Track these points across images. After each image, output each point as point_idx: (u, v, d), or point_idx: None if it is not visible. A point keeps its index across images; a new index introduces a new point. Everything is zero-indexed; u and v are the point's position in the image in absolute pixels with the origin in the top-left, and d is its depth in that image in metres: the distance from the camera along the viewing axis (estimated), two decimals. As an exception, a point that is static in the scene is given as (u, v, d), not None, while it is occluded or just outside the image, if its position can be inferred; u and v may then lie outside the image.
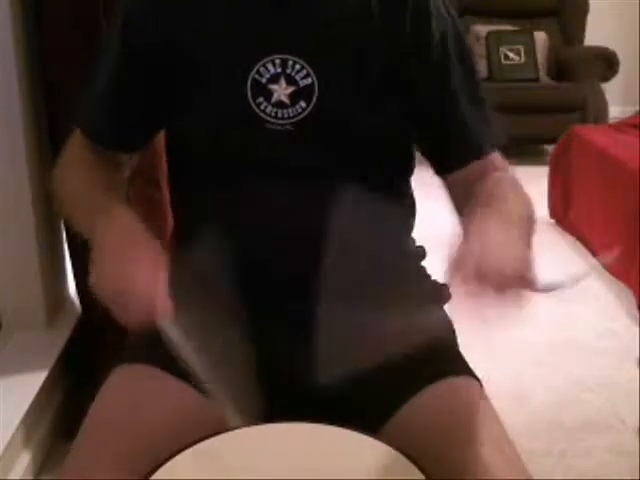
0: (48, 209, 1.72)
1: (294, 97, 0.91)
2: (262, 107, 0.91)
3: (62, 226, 1.75)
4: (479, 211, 0.84)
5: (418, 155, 1.04)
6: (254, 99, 0.91)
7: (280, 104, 0.91)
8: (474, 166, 0.98)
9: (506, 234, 0.80)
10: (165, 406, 0.89)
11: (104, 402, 0.90)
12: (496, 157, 1.00)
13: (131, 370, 0.93)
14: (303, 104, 0.91)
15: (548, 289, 0.76)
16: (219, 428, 0.82)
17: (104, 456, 0.83)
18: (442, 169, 1.01)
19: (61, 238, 1.81)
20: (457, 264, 0.75)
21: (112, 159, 1.03)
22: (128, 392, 0.91)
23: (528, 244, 0.82)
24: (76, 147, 1.02)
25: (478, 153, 0.98)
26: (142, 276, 0.81)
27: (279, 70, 0.91)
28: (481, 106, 1.00)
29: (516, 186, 0.96)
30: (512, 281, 0.73)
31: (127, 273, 0.81)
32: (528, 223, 0.88)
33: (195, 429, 0.84)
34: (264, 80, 0.91)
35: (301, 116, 0.91)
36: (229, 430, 0.81)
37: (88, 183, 0.97)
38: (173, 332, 0.81)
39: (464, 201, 0.94)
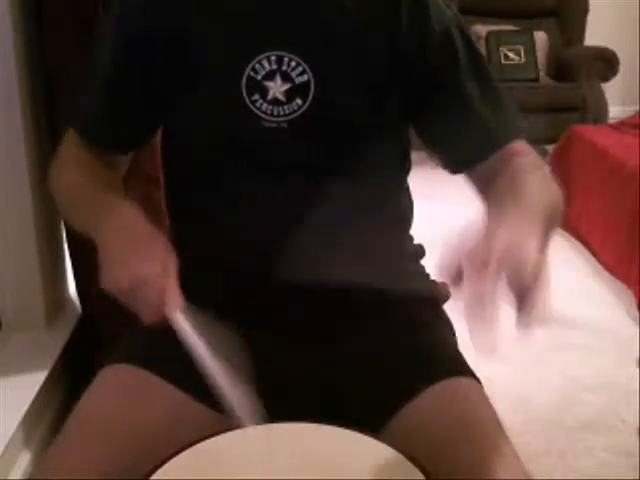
0: (48, 209, 1.72)
1: (290, 94, 0.90)
2: (257, 104, 0.91)
3: (62, 226, 1.75)
4: (499, 202, 0.80)
5: (416, 154, 1.04)
6: (249, 96, 0.90)
7: (276, 101, 0.90)
8: (495, 157, 0.95)
9: (525, 227, 0.74)
10: (149, 407, 0.88)
11: (89, 402, 0.90)
12: (519, 145, 0.97)
13: (117, 370, 0.92)
14: (299, 101, 0.91)
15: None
16: (203, 430, 0.81)
17: (84, 456, 0.82)
18: (460, 165, 0.98)
19: (61, 238, 1.80)
20: (473, 260, 0.70)
21: (109, 158, 1.02)
22: (113, 392, 0.90)
23: (547, 233, 0.76)
24: (72, 146, 1.02)
25: (496, 145, 0.96)
26: (152, 269, 0.81)
27: (275, 67, 0.90)
28: (495, 98, 0.99)
29: (539, 170, 0.92)
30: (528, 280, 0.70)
31: (136, 267, 0.81)
32: (549, 208, 0.82)
33: (178, 431, 0.83)
34: (259, 77, 0.90)
35: (297, 113, 0.91)
36: (228, 430, 0.81)
37: (87, 183, 0.97)
38: (184, 324, 0.81)
39: (488, 189, 0.92)
